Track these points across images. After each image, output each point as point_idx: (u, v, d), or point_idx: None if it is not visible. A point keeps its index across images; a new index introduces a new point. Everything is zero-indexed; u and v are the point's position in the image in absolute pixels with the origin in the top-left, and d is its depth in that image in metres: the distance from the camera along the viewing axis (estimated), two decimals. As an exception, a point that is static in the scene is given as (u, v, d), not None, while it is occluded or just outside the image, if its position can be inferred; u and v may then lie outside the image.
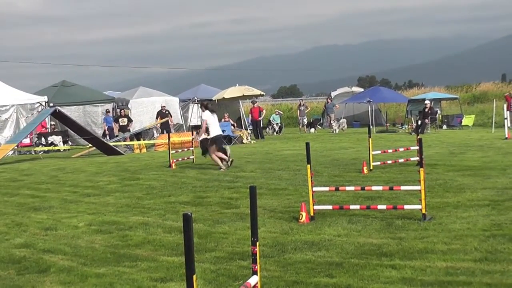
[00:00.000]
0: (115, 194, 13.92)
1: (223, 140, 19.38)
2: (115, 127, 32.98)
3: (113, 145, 28.17)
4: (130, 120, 32.89)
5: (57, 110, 27.28)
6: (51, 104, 32.80)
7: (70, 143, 32.61)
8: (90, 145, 28.13)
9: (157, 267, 7.39)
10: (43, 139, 31.72)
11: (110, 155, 26.66)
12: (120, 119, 32.67)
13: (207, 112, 18.11)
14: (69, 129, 30.87)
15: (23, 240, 9.39)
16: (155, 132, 34.86)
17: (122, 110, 33.35)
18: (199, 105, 19.44)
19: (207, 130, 18.22)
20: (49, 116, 29.89)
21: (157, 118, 33.64)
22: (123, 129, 32.34)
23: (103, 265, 7.66)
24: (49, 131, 33.03)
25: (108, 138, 32.12)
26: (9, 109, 32.51)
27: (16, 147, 27.91)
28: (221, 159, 17.88)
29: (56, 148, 31.21)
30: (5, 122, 32.45)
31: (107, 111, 34.85)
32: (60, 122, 31.31)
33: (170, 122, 33.93)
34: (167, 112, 33.84)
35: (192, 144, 21.51)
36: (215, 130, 18.05)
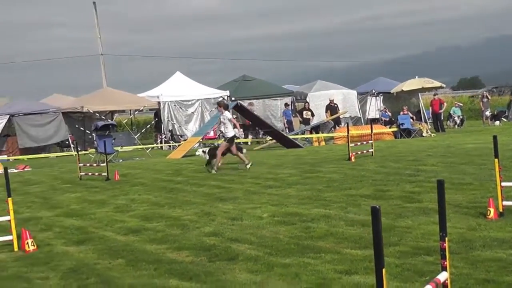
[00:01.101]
0: (296, 186, 14.15)
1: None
2: (297, 120, 33.47)
3: (292, 138, 28.64)
4: (312, 114, 33.23)
5: (239, 104, 28.14)
6: (233, 98, 33.93)
7: (250, 136, 33.55)
8: (270, 137, 28.79)
9: (341, 260, 7.43)
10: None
11: (290, 148, 27.13)
12: (304, 112, 33.12)
13: (227, 112, 18.85)
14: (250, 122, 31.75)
15: (212, 228, 9.83)
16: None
17: (307, 103, 33.77)
18: (217, 105, 19.67)
19: (225, 129, 18.91)
20: (231, 110, 30.90)
21: (326, 112, 33.74)
22: (306, 122, 32.76)
23: (288, 255, 7.83)
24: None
25: (287, 131, 32.70)
26: (194, 103, 34.17)
27: (201, 140, 29.15)
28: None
29: (237, 141, 32.24)
30: (191, 116, 34.14)
31: (286, 105, 35.45)
32: (241, 116, 32.29)
33: (340, 117, 33.97)
34: (335, 106, 33.86)
35: (372, 137, 21.35)
36: (233, 130, 18.91)
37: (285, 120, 34.60)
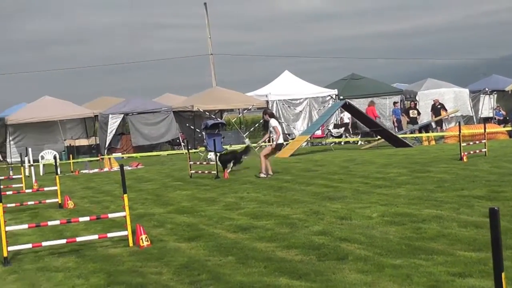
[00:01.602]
0: (406, 186, 13.91)
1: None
2: (404, 119, 32.98)
3: (401, 137, 28.18)
4: (419, 113, 32.63)
5: (347, 103, 27.97)
6: (341, 97, 33.77)
7: (359, 135, 33.29)
8: (378, 137, 28.46)
9: (454, 262, 7.23)
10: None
11: (399, 147, 26.70)
12: (410, 111, 32.58)
13: (273, 120, 18.55)
14: (358, 121, 31.50)
15: (320, 227, 9.81)
16: (443, 124, 34.26)
17: (412, 102, 33.21)
18: (263, 113, 19.42)
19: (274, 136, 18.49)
20: (339, 109, 30.77)
21: (431, 111, 33.01)
22: (413, 121, 32.20)
23: (399, 256, 7.70)
24: (350, 122, 34.02)
25: (396, 130, 32.23)
26: (302, 102, 34.23)
27: (309, 139, 29.19)
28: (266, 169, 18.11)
29: (346, 139, 32.06)
30: (299, 115, 34.23)
31: (395, 103, 34.98)
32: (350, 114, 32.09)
33: (445, 117, 33.19)
34: (439, 107, 33.06)
35: (485, 136, 20.67)
36: (282, 137, 18.70)
37: (394, 119, 34.17)
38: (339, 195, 13.16)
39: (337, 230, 9.48)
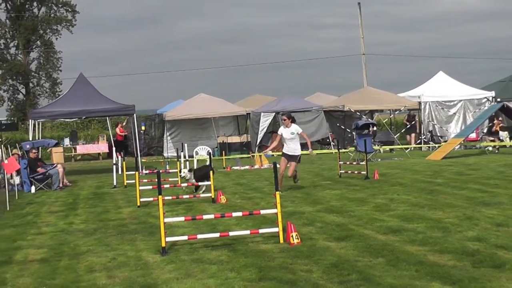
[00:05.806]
0: None
1: None
2: None
3: None
4: None
5: (505, 105, 26.80)
6: (498, 99, 32.42)
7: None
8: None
9: None
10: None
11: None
12: None
13: (295, 125, 16.54)
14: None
15: (475, 233, 9.48)
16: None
17: None
18: (283, 118, 16.55)
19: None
20: (494, 112, 29.53)
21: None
22: None
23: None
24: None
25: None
26: (456, 104, 33.21)
27: (462, 142, 28.25)
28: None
29: (503, 144, 30.73)
30: (452, 117, 33.23)
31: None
32: (507, 117, 30.74)
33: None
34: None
35: None
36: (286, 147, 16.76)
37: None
38: (494, 201, 12.67)
39: (493, 237, 9.13)
